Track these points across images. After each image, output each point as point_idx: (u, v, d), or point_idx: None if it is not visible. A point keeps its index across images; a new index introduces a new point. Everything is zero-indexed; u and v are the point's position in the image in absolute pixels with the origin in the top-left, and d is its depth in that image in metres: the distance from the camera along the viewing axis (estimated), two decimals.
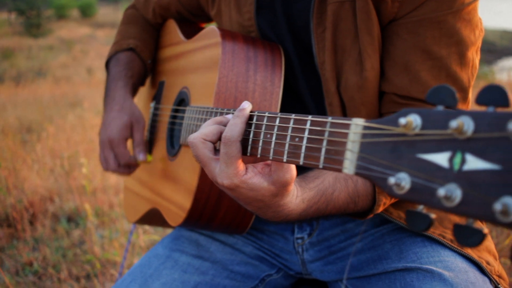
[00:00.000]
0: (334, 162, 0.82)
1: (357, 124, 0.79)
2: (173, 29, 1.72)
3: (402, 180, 0.68)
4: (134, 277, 1.38)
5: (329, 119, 0.85)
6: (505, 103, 0.60)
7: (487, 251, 1.30)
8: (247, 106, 0.99)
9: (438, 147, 0.65)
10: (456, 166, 0.62)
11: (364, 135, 0.77)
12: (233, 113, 1.07)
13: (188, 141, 1.02)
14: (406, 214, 0.68)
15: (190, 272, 1.39)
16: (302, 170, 1.11)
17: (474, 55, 1.23)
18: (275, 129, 0.95)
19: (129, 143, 1.62)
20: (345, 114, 1.30)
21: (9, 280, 3.16)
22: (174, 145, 1.53)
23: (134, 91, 1.71)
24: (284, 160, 0.91)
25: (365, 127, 0.77)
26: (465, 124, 0.62)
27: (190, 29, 1.67)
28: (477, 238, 0.60)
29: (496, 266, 1.28)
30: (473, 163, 0.61)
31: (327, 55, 1.27)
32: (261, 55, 1.34)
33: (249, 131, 1.00)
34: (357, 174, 0.77)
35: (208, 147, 1.00)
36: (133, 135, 1.59)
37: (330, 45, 1.27)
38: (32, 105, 10.81)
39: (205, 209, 1.30)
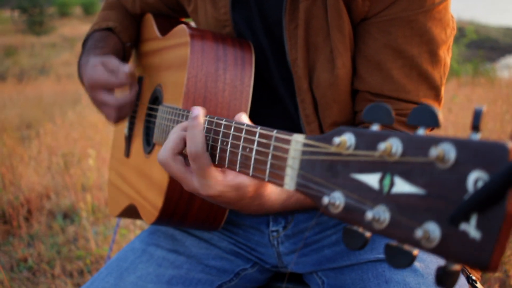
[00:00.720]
0: (277, 176, 0.81)
1: (297, 141, 0.78)
2: (150, 24, 1.72)
3: (337, 200, 0.67)
4: (110, 270, 1.39)
5: (274, 133, 0.84)
6: (435, 124, 0.59)
7: None
8: (198, 112, 0.98)
9: (370, 168, 0.64)
10: (386, 188, 0.62)
11: (303, 152, 0.76)
12: (208, 120, 1.08)
13: (159, 161, 1.03)
14: (343, 232, 0.67)
15: (165, 266, 1.40)
16: None
17: (446, 54, 1.24)
18: (230, 137, 0.95)
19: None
20: (317, 111, 1.31)
21: (4, 276, 3.19)
22: (150, 143, 1.54)
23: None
24: (237, 170, 0.92)
25: (305, 144, 0.76)
26: (393, 147, 0.61)
27: (167, 24, 1.66)
28: (405, 260, 0.59)
29: None
30: (401, 186, 0.60)
31: (299, 53, 1.28)
32: (231, 54, 1.34)
33: (209, 137, 1.01)
34: (297, 190, 0.77)
35: (180, 161, 1.01)
36: (108, 65, 1.46)
37: (302, 43, 1.27)
38: (33, 102, 10.85)
39: (177, 208, 1.31)
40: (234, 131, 0.95)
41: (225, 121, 0.98)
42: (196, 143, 0.95)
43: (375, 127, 0.67)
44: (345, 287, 1.29)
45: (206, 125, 1.03)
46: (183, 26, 1.41)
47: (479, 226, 0.52)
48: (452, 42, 1.27)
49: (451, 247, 0.54)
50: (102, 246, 3.64)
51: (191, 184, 1.01)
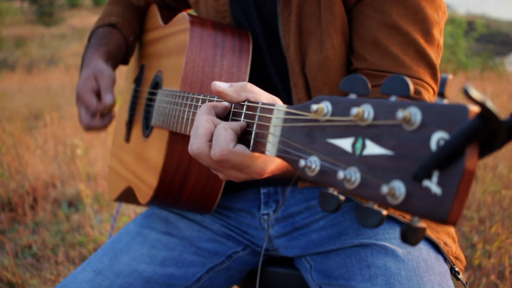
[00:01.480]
0: (260, 144, 0.86)
1: (279, 110, 0.83)
2: (154, 14, 1.76)
3: (313, 163, 0.72)
4: (105, 251, 1.43)
5: (259, 104, 0.89)
6: (406, 93, 0.62)
7: (446, 233, 1.34)
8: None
9: (344, 133, 0.69)
10: (358, 151, 0.66)
11: (285, 120, 0.81)
12: (202, 99, 1.12)
13: (194, 155, 0.95)
14: (319, 195, 0.71)
15: (158, 247, 1.44)
16: None
17: (439, 35, 1.26)
18: None
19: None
20: (309, 94, 1.33)
21: (8, 262, 3.24)
22: (148, 126, 1.58)
23: (108, 57, 1.68)
24: None
25: (286, 112, 0.81)
26: (365, 111, 0.65)
27: (170, 14, 1.71)
28: (375, 219, 0.63)
29: (454, 248, 1.32)
30: (372, 148, 0.64)
31: (292, 38, 1.31)
32: (229, 41, 1.38)
33: None
34: (278, 156, 0.81)
35: (232, 138, 0.91)
36: (99, 83, 1.56)
37: (295, 28, 1.30)
38: (42, 93, 10.93)
39: (171, 188, 1.35)
40: None
41: (217, 98, 1.04)
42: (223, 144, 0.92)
43: (352, 96, 0.71)
44: (330, 271, 1.31)
45: (199, 104, 1.10)
46: (183, 13, 1.45)
47: (440, 182, 0.56)
48: (444, 26, 1.29)
49: (414, 203, 0.58)
50: (105, 233, 3.69)
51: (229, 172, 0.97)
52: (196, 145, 0.92)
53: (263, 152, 0.85)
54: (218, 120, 0.95)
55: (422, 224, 0.59)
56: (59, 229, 3.87)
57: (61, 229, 3.87)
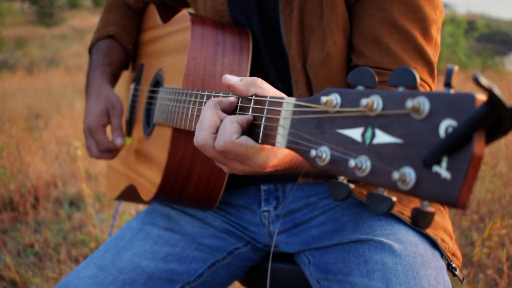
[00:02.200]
0: (269, 137, 0.89)
1: (289, 102, 0.86)
2: (152, 14, 1.78)
3: (323, 153, 0.74)
4: (108, 248, 1.45)
5: (268, 98, 0.92)
6: (413, 84, 0.65)
7: (443, 230, 1.35)
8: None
9: (353, 123, 0.71)
10: (368, 140, 0.69)
11: (294, 112, 0.84)
12: (207, 95, 1.14)
13: (198, 146, 0.98)
14: (329, 185, 0.74)
15: (160, 243, 1.46)
16: None
17: (436, 34, 1.29)
18: None
19: (109, 129, 1.69)
20: (310, 91, 1.35)
21: (11, 261, 3.26)
22: (150, 124, 1.60)
23: (113, 78, 1.76)
24: None
25: (296, 105, 0.84)
26: (375, 102, 0.68)
27: (168, 14, 1.73)
28: (385, 205, 0.66)
29: (451, 245, 1.34)
30: (381, 137, 0.67)
31: (294, 34, 1.33)
32: (230, 40, 1.40)
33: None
34: (288, 147, 0.84)
35: (236, 130, 0.93)
36: (111, 120, 1.64)
37: (297, 25, 1.33)
38: (42, 93, 10.95)
39: (174, 184, 1.37)
40: None
41: (223, 93, 1.08)
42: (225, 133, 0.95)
43: (360, 88, 0.73)
44: (328, 266, 1.33)
45: (204, 100, 1.13)
46: (184, 12, 1.47)
47: (449, 168, 0.58)
48: (441, 26, 1.31)
49: (425, 188, 0.60)
50: (107, 232, 3.70)
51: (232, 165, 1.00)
52: (201, 136, 0.96)
53: (273, 144, 0.88)
54: (223, 114, 0.98)
55: (431, 208, 0.62)
56: (60, 228, 3.89)
57: (63, 228, 3.89)
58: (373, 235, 1.28)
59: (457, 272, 1.30)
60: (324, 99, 0.75)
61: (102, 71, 1.71)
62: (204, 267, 1.47)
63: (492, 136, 0.58)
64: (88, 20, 34.58)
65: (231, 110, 1.02)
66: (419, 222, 0.62)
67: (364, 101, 0.68)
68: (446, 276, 1.23)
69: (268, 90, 0.97)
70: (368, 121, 0.69)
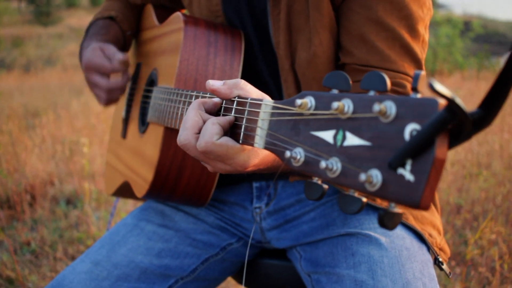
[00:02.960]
0: (249, 137, 0.92)
1: (267, 104, 0.89)
2: (149, 14, 1.81)
3: (298, 154, 0.77)
4: (103, 243, 1.47)
5: (248, 100, 0.95)
6: (383, 88, 0.67)
7: (431, 225, 1.38)
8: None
9: (326, 126, 0.74)
10: (339, 143, 0.71)
11: (272, 114, 0.86)
12: (195, 95, 1.17)
13: (181, 145, 1.01)
14: (305, 184, 0.76)
15: (154, 239, 1.48)
16: None
17: (424, 31, 1.31)
18: None
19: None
20: (299, 90, 1.38)
21: (7, 258, 3.28)
22: (144, 122, 1.62)
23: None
24: None
25: (273, 107, 0.87)
26: (345, 106, 0.70)
27: (165, 14, 1.75)
28: (356, 206, 0.68)
29: (438, 240, 1.37)
30: (351, 140, 0.69)
31: (281, 35, 1.36)
32: (222, 40, 1.42)
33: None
34: (266, 148, 0.87)
35: (217, 132, 0.97)
36: (106, 52, 1.58)
37: (284, 25, 1.35)
38: (39, 92, 10.96)
39: (166, 181, 1.40)
40: None
41: (209, 94, 1.10)
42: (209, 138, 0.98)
43: (334, 91, 0.76)
44: (318, 260, 1.36)
45: (194, 100, 1.14)
46: (178, 13, 1.49)
47: (412, 170, 0.60)
48: (429, 23, 1.34)
49: (390, 190, 0.62)
50: (104, 230, 3.73)
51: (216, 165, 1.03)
52: (183, 136, 0.99)
53: (252, 145, 0.91)
54: (206, 115, 1.01)
55: (398, 209, 0.64)
56: (57, 226, 3.91)
57: (60, 226, 3.91)
58: (361, 229, 1.31)
59: (444, 266, 1.33)
60: (298, 101, 0.78)
61: (95, 37, 1.70)
62: (198, 263, 1.49)
63: (455, 140, 0.60)
64: (85, 20, 34.48)
65: (215, 111, 1.05)
66: (386, 223, 0.64)
67: (335, 104, 0.70)
68: (432, 270, 1.26)
69: (251, 92, 1.00)
70: (339, 123, 0.71)
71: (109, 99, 1.61)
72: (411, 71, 1.28)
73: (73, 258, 3.42)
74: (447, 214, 3.88)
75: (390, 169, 0.62)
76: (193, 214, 1.55)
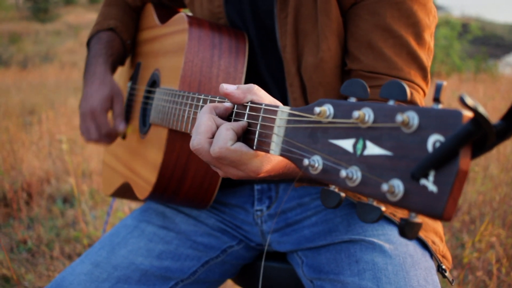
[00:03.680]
0: (264, 144, 0.92)
1: (283, 111, 0.88)
2: (150, 13, 1.80)
3: (316, 162, 0.77)
4: (103, 245, 1.46)
5: (263, 106, 0.94)
6: (404, 97, 0.68)
7: (434, 232, 1.38)
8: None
9: (345, 134, 0.74)
10: (359, 151, 0.71)
11: (288, 121, 0.86)
12: (203, 99, 1.16)
13: (194, 150, 1.00)
14: (320, 192, 0.76)
15: (155, 241, 1.47)
16: None
17: (430, 38, 1.31)
18: None
19: (109, 115, 1.69)
20: (305, 94, 1.37)
21: (3, 257, 3.26)
22: (146, 123, 1.61)
23: (113, 69, 1.77)
24: None
25: (290, 114, 0.86)
26: (366, 115, 0.70)
27: (166, 14, 1.74)
28: (375, 215, 0.69)
29: (441, 247, 1.36)
30: (372, 149, 0.69)
31: (288, 39, 1.35)
32: (226, 42, 1.42)
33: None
34: (281, 155, 0.86)
35: (231, 137, 0.97)
36: (113, 107, 1.65)
37: (291, 29, 1.35)
38: (36, 89, 10.92)
39: (169, 184, 1.39)
40: None
41: (219, 98, 1.09)
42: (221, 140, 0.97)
43: (352, 99, 0.76)
44: (321, 267, 1.35)
45: (201, 104, 1.16)
46: (182, 14, 1.49)
47: (436, 181, 0.61)
48: (434, 30, 1.34)
49: (412, 200, 0.63)
50: (100, 229, 3.71)
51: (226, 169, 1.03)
52: (197, 141, 0.98)
53: (267, 151, 0.90)
54: (219, 120, 1.01)
55: (418, 219, 0.64)
56: (54, 225, 3.89)
57: (56, 225, 3.89)
58: (365, 236, 1.30)
59: (447, 274, 1.33)
60: (317, 109, 0.78)
61: (105, 59, 1.72)
62: (198, 265, 1.48)
63: (477, 151, 0.61)
64: (83, 17, 34.44)
65: (226, 116, 1.04)
66: (407, 233, 0.64)
67: (356, 113, 0.70)
68: (435, 277, 1.26)
69: (264, 97, 1.00)
70: (359, 132, 0.72)
71: (93, 143, 1.68)
72: (417, 78, 1.28)
73: (69, 257, 3.41)
74: None
75: (413, 179, 0.63)
76: (193, 216, 1.55)
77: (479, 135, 0.58)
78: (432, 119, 0.62)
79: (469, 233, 3.62)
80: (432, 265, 1.29)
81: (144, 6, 1.88)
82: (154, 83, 1.61)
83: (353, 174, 0.70)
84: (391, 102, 0.69)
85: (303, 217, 1.47)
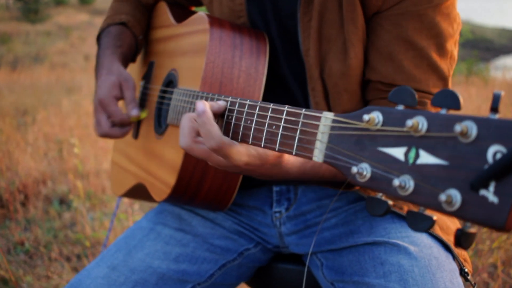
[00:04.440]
0: (305, 150, 0.90)
1: (327, 117, 0.87)
2: (164, 12, 1.77)
3: (364, 170, 0.76)
4: (119, 247, 1.44)
5: (303, 111, 0.93)
6: (457, 106, 0.67)
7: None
8: (204, 108, 1.05)
9: (396, 142, 0.73)
10: (411, 160, 0.70)
11: (332, 128, 0.85)
12: (227, 99, 1.15)
13: (183, 148, 1.11)
14: (366, 199, 0.76)
15: (172, 244, 1.45)
16: None
17: (453, 47, 1.31)
18: (255, 116, 1.03)
19: (121, 104, 1.64)
20: (327, 99, 1.36)
21: (1, 259, 3.22)
22: (162, 124, 1.59)
23: (123, 60, 1.70)
24: (262, 146, 1.01)
25: (334, 120, 0.85)
26: (419, 123, 0.69)
27: (181, 13, 1.72)
28: (426, 224, 0.68)
29: (462, 251, 1.36)
30: (425, 158, 0.68)
31: (312, 43, 1.34)
32: (247, 43, 1.40)
33: (232, 116, 1.09)
34: (325, 162, 0.85)
35: (202, 143, 1.09)
36: (124, 93, 1.58)
37: (315, 34, 1.33)
38: (29, 90, 10.85)
39: (188, 186, 1.37)
40: (259, 110, 1.03)
41: (249, 101, 1.06)
42: (213, 137, 1.02)
43: (400, 107, 0.75)
44: (342, 268, 1.34)
45: (228, 106, 1.12)
46: (201, 14, 1.46)
47: (497, 192, 0.60)
48: (459, 36, 1.33)
49: (471, 210, 0.62)
50: (98, 231, 3.68)
51: (215, 160, 1.09)
52: (183, 141, 1.10)
53: (309, 158, 0.89)
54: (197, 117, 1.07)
55: (474, 229, 0.64)
56: (51, 226, 3.86)
57: (53, 226, 3.86)
58: (388, 238, 1.29)
59: (469, 277, 1.32)
60: (366, 117, 0.77)
61: (113, 51, 1.67)
62: (215, 268, 1.46)
63: None
64: (74, 18, 34.33)
65: (220, 113, 1.10)
66: (463, 243, 0.64)
67: (409, 122, 0.69)
68: (459, 279, 1.26)
69: None
70: (411, 141, 0.71)
71: (103, 136, 1.59)
72: (437, 88, 1.28)
73: (68, 258, 3.38)
74: None
75: (472, 190, 0.62)
76: (210, 218, 1.53)
77: None
78: (492, 129, 0.62)
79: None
80: (455, 267, 1.29)
81: (156, 4, 1.84)
82: (170, 83, 1.59)
83: (406, 182, 0.69)
84: (443, 111, 0.68)
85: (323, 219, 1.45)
